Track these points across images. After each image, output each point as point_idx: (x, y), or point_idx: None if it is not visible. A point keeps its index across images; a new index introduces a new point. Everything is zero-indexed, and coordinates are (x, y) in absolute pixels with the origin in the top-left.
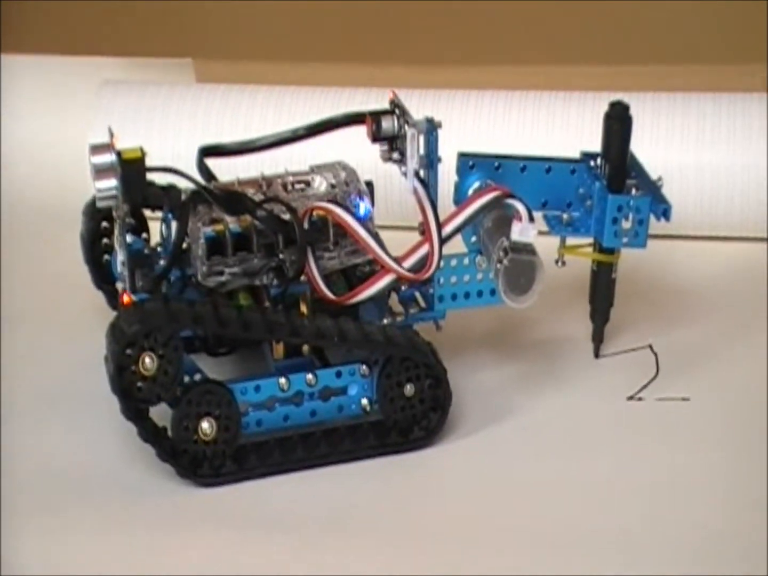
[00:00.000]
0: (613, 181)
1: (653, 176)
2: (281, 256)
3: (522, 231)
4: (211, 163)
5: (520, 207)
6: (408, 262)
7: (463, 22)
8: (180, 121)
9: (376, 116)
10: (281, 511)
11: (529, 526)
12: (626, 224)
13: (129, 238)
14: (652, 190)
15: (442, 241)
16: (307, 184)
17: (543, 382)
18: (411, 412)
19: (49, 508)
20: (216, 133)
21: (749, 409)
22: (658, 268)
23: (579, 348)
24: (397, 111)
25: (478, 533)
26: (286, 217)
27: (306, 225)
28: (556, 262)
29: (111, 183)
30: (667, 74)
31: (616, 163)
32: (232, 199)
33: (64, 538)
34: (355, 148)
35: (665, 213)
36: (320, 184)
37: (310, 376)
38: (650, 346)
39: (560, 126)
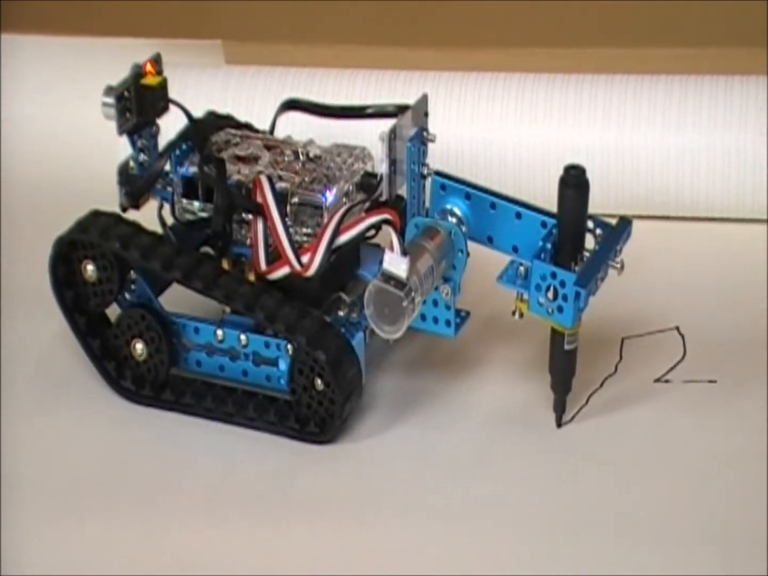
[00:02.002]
0: (562, 249)
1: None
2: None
3: (391, 262)
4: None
5: (393, 237)
6: (305, 257)
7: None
8: (210, 103)
9: None
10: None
11: (568, 507)
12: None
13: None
14: (592, 270)
15: (329, 247)
16: (318, 158)
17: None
18: (316, 405)
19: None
20: (245, 115)
21: None
22: (675, 251)
23: (606, 331)
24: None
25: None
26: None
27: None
28: (513, 313)
29: (111, 99)
30: (665, 57)
31: (569, 232)
32: (203, 147)
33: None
34: None
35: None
36: (327, 162)
37: (243, 336)
38: (677, 328)
39: (558, 108)
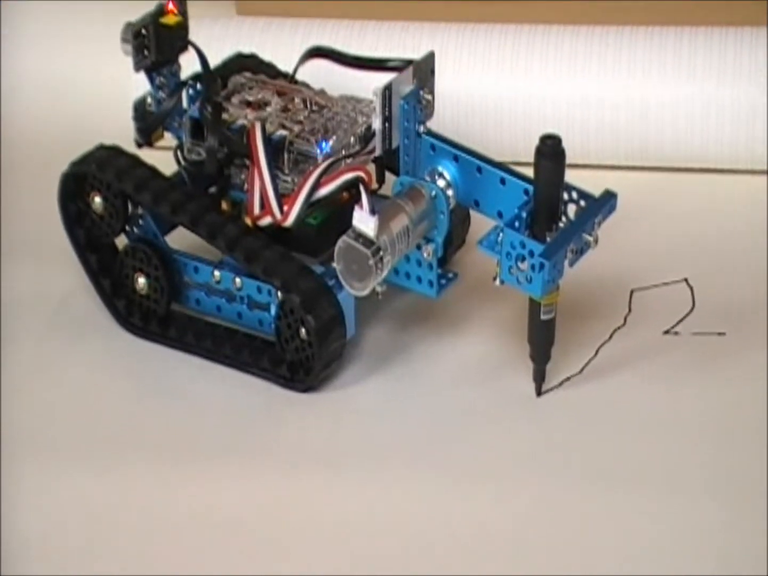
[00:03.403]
0: (538, 218)
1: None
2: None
3: (360, 219)
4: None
5: (363, 196)
6: (287, 206)
7: None
8: (221, 55)
9: None
10: None
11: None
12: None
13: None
14: (561, 242)
15: (307, 199)
16: (322, 108)
17: (575, 316)
18: (300, 352)
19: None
20: None
21: None
22: (683, 202)
23: (615, 283)
24: None
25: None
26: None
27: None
28: (494, 279)
29: (128, 36)
30: (670, 8)
31: (544, 201)
32: (210, 90)
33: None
34: None
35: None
36: (333, 113)
37: (238, 279)
38: (686, 280)
39: (554, 59)
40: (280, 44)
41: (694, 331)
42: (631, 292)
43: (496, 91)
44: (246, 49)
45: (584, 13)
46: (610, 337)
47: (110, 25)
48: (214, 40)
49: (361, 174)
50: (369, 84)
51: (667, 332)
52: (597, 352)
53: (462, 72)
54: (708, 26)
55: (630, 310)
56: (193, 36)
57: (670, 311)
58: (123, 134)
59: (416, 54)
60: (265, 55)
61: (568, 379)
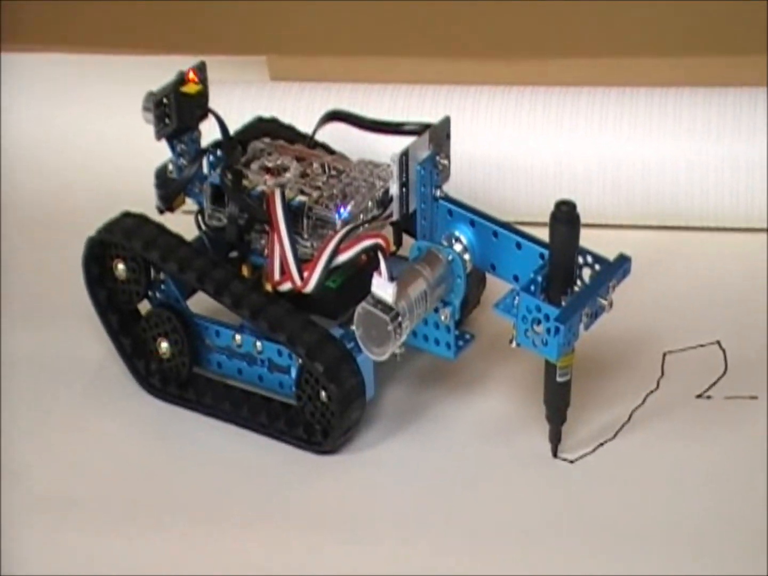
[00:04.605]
0: (553, 282)
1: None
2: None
3: (379, 286)
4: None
5: (381, 263)
6: (307, 272)
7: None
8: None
9: None
10: None
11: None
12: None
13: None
14: (576, 306)
15: (327, 266)
16: (341, 173)
17: (615, 378)
18: (319, 415)
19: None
20: None
21: None
22: (714, 263)
23: (647, 345)
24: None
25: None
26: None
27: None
28: (510, 341)
29: (149, 105)
30: (668, 66)
31: (559, 266)
32: (230, 158)
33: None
34: None
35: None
36: (351, 178)
37: (258, 343)
38: (718, 343)
39: (569, 121)
40: (314, 108)
41: (727, 395)
42: (664, 355)
43: (513, 153)
44: (280, 115)
45: (596, 73)
46: (644, 401)
47: (134, 85)
48: (248, 105)
49: (380, 241)
50: (387, 145)
51: (700, 396)
52: (630, 416)
53: (479, 134)
54: (721, 86)
55: (663, 373)
56: (227, 102)
57: (703, 374)
58: (146, 199)
59: (435, 116)
60: (299, 121)
61: (601, 444)
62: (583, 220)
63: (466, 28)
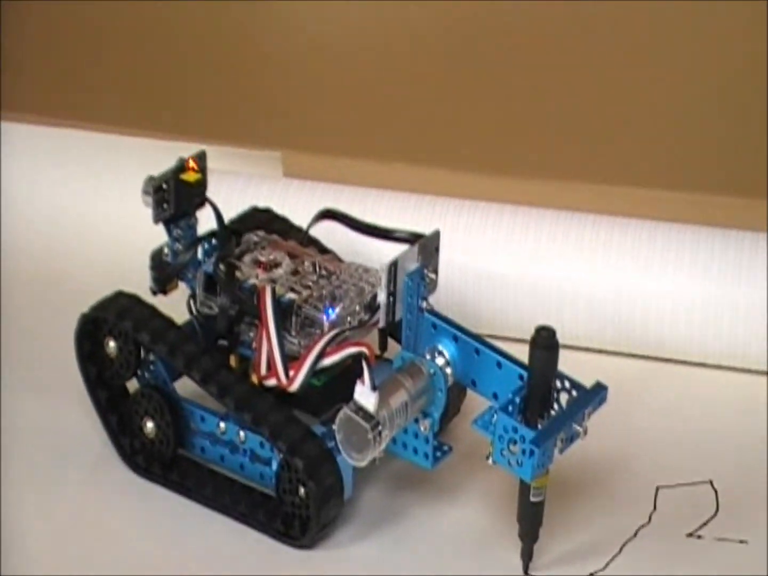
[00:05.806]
0: (531, 404)
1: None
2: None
3: (362, 394)
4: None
5: (365, 371)
6: (293, 371)
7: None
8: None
9: None
10: None
11: None
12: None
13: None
14: (551, 431)
15: (312, 367)
16: (331, 274)
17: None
18: (297, 509)
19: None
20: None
21: None
22: (708, 399)
23: (641, 478)
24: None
25: None
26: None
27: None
28: (486, 457)
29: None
30: (669, 201)
31: (538, 389)
32: (224, 250)
33: None
34: None
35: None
36: (341, 280)
37: (242, 433)
38: (711, 482)
39: (561, 243)
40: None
41: (717, 537)
42: (657, 489)
43: (503, 270)
44: (291, 213)
45: (593, 201)
46: (635, 534)
47: (143, 166)
48: (261, 200)
49: (364, 350)
50: (376, 248)
51: (690, 535)
52: (621, 549)
53: (471, 248)
54: (724, 228)
55: (655, 507)
56: (240, 195)
57: (695, 512)
58: (141, 278)
59: (447, 228)
60: (309, 219)
61: (592, 575)
62: (574, 342)
63: (485, 144)
